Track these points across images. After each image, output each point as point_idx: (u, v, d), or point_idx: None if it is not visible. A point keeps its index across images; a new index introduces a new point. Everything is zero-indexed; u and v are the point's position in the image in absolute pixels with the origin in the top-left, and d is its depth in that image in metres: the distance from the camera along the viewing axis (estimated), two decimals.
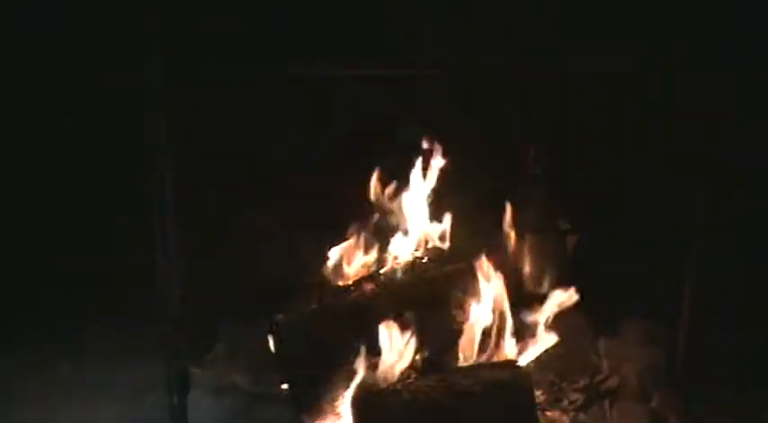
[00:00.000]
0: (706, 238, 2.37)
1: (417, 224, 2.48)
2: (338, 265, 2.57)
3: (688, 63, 2.40)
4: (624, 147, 2.79)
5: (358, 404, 2.00)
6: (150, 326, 2.60)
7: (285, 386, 2.24)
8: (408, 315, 2.13)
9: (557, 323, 2.33)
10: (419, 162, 2.52)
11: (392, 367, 2.08)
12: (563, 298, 2.30)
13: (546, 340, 2.24)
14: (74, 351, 2.68)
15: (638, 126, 2.77)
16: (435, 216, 2.54)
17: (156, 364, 2.38)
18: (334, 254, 2.57)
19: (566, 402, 2.34)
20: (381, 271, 2.48)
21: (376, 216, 2.64)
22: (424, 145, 2.49)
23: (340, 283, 2.50)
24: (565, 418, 2.28)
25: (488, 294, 2.22)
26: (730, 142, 2.42)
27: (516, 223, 2.79)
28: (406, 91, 2.76)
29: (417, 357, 2.15)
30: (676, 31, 2.51)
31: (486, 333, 2.21)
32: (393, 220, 2.62)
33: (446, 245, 2.47)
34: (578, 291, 2.27)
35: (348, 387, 2.04)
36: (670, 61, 2.47)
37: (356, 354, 2.05)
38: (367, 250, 2.65)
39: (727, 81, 2.31)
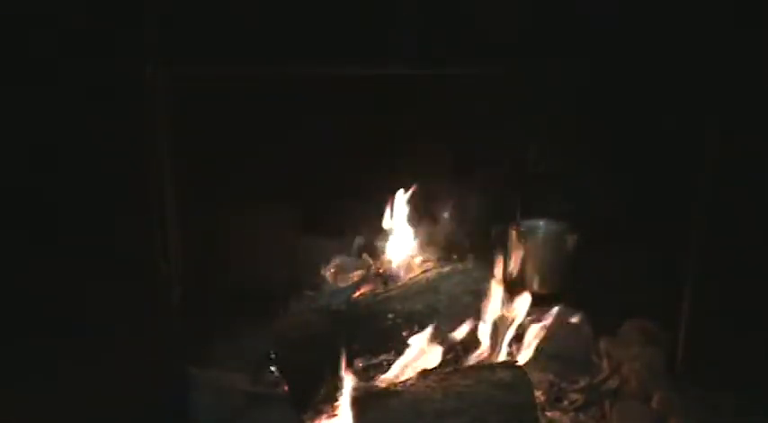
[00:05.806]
0: (706, 238, 2.37)
1: (417, 225, 2.48)
2: (339, 266, 2.58)
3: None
4: (622, 146, 2.79)
5: (358, 404, 2.00)
6: (150, 326, 2.60)
7: (284, 386, 2.24)
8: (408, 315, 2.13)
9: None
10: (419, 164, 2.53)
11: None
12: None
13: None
14: (72, 350, 2.67)
15: (637, 127, 2.77)
16: (435, 218, 2.55)
17: (155, 364, 2.37)
18: (335, 255, 2.57)
19: (566, 402, 2.34)
20: (381, 271, 2.48)
21: (377, 217, 2.64)
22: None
23: (341, 284, 2.51)
24: (565, 418, 2.28)
25: (489, 295, 2.23)
26: (730, 142, 2.41)
27: (516, 223, 2.80)
28: (405, 91, 2.76)
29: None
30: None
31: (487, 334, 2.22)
32: (394, 221, 2.63)
33: (446, 246, 2.48)
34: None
35: (348, 387, 2.04)
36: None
37: (356, 354, 2.05)
38: (367, 251, 2.66)
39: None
